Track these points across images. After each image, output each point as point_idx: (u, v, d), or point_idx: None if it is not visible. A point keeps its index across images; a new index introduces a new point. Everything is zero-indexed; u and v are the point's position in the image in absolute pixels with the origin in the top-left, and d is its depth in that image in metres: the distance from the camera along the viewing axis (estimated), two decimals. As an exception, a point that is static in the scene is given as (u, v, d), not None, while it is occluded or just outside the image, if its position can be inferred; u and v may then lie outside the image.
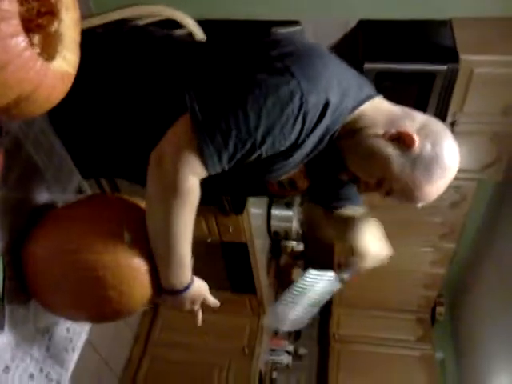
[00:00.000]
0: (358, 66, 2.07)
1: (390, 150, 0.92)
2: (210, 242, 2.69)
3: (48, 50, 0.80)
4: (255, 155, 0.91)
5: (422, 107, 2.16)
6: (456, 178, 2.67)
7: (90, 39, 1.06)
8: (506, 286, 2.87)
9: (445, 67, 1.99)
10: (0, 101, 0.74)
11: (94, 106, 1.04)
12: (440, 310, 3.69)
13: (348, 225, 1.17)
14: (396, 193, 0.96)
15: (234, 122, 0.85)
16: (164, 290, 1.00)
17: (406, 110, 0.98)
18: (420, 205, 0.98)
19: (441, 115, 2.18)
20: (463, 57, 2.00)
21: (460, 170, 2.53)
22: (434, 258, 3.18)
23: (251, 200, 2.51)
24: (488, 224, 3.15)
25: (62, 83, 0.81)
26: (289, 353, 3.75)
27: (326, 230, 1.31)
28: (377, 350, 3.56)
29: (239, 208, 2.40)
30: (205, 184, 0.92)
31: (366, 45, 2.14)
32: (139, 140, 1.04)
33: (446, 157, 0.93)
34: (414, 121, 0.94)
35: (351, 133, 0.96)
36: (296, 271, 3.59)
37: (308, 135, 0.91)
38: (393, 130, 0.92)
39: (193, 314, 1.07)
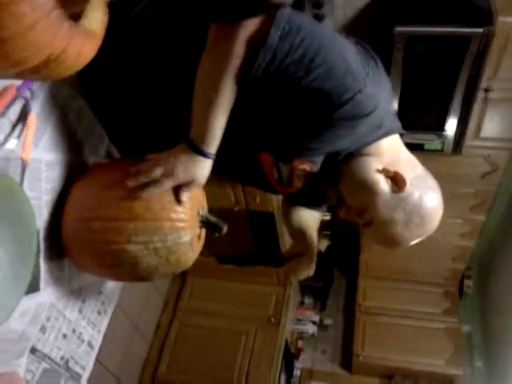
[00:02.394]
0: (388, 30, 2.01)
1: (382, 185, 0.97)
2: (236, 211, 2.70)
3: (76, 10, 0.80)
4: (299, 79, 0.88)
5: (454, 73, 2.10)
6: (487, 147, 2.62)
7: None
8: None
9: (480, 30, 1.91)
10: (30, 61, 0.74)
11: (125, 68, 1.04)
12: (468, 282, 3.64)
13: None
14: (374, 227, 1.00)
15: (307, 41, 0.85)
16: (187, 142, 0.94)
17: (413, 158, 1.04)
18: (394, 247, 1.03)
19: (474, 81, 2.12)
20: (501, 19, 1.91)
21: (491, 139, 2.50)
22: (463, 229, 3.12)
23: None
24: (521, 195, 3.07)
25: (91, 43, 0.81)
26: (314, 323, 3.79)
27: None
28: (402, 322, 3.55)
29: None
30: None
31: (397, 7, 2.06)
32: (169, 105, 1.04)
33: (429, 210, 0.98)
34: (414, 170, 1.00)
35: (357, 155, 1.00)
36: (323, 242, 3.59)
37: (348, 119, 0.91)
38: (391, 169, 0.97)
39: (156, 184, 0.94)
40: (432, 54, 2.04)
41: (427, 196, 0.98)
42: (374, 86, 0.91)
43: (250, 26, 0.85)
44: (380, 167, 0.98)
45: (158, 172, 0.93)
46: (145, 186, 0.93)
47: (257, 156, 1.06)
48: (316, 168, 1.03)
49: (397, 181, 0.96)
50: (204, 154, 0.93)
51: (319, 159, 1.02)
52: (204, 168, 0.95)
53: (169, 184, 0.94)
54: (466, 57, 2.01)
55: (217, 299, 3.35)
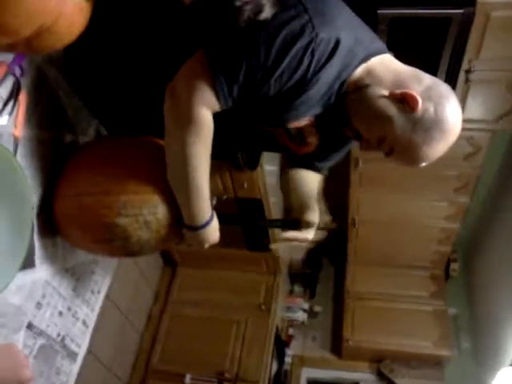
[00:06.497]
0: (371, 12, 2.04)
1: (393, 111, 0.93)
2: (225, 200, 2.71)
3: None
4: (264, 89, 0.92)
5: (436, 54, 2.13)
6: (469, 129, 2.64)
7: None
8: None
9: (461, 11, 1.94)
10: (22, 31, 0.75)
11: (110, 45, 1.04)
12: (454, 265, 3.70)
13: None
14: (396, 153, 0.98)
15: (245, 55, 0.87)
16: (185, 226, 1.04)
17: (414, 70, 0.98)
18: (421, 165, 1.00)
19: (456, 62, 2.15)
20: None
21: (474, 121, 2.52)
22: (448, 212, 3.15)
23: (265, 157, 2.51)
24: (503, 176, 3.11)
25: (81, 15, 0.82)
26: (304, 310, 3.82)
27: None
28: (390, 306, 3.59)
29: (253, 163, 2.40)
30: (217, 137, 0.95)
31: (379, -11, 2.08)
32: (155, 82, 1.05)
33: (448, 121, 0.94)
34: (421, 83, 0.94)
35: (357, 89, 0.96)
36: (320, 232, 3.61)
37: (317, 73, 0.91)
38: (398, 91, 0.93)
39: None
40: (415, 35, 2.07)
41: (442, 107, 0.93)
42: (328, 27, 0.88)
43: (200, 93, 0.89)
44: (386, 93, 0.94)
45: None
46: None
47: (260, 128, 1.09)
48: (317, 113, 1.01)
49: (408, 101, 0.92)
50: (206, 224, 1.05)
51: (313, 111, 1.00)
52: (215, 229, 1.08)
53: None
54: (448, 38, 2.04)
55: (207, 289, 3.37)
